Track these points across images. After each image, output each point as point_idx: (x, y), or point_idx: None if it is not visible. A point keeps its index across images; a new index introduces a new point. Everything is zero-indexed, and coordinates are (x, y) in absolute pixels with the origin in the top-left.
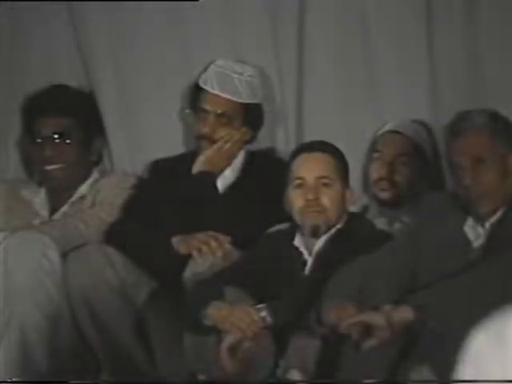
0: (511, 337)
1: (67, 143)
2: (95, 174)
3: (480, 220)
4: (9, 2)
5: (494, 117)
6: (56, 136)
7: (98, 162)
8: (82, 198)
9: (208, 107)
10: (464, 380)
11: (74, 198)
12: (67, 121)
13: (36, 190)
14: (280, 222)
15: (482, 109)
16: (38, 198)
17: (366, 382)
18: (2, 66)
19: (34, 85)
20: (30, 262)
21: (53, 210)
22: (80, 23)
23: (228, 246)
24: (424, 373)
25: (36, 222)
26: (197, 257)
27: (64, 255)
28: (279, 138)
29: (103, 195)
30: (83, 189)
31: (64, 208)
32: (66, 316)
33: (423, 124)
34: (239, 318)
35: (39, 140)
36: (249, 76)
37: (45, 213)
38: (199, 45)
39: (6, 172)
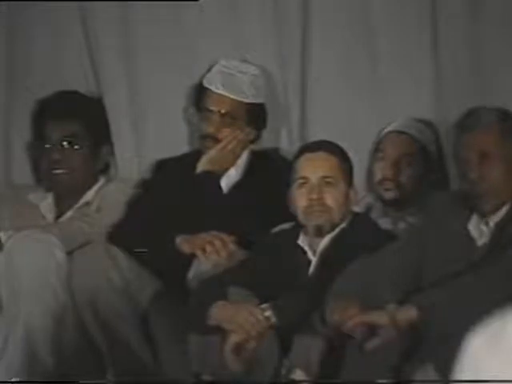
0: (508, 338)
1: (75, 149)
2: (101, 181)
3: (484, 217)
4: (9, 2)
5: (504, 114)
6: (65, 142)
7: (106, 170)
8: (88, 204)
9: (212, 107)
10: (466, 380)
11: (79, 204)
12: (76, 127)
13: (43, 195)
14: (284, 221)
15: (493, 106)
16: (45, 203)
17: (369, 381)
18: (2, 66)
19: (39, 86)
20: (36, 261)
21: (59, 215)
22: (92, 25)
23: (232, 246)
24: (428, 372)
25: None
26: (201, 257)
27: (69, 255)
28: (283, 137)
29: (108, 201)
30: (89, 195)
31: (69, 213)
32: (71, 315)
33: (427, 123)
34: (243, 318)
35: (48, 145)
36: (253, 76)
37: (50, 217)
38: (203, 45)
39: (10, 175)
